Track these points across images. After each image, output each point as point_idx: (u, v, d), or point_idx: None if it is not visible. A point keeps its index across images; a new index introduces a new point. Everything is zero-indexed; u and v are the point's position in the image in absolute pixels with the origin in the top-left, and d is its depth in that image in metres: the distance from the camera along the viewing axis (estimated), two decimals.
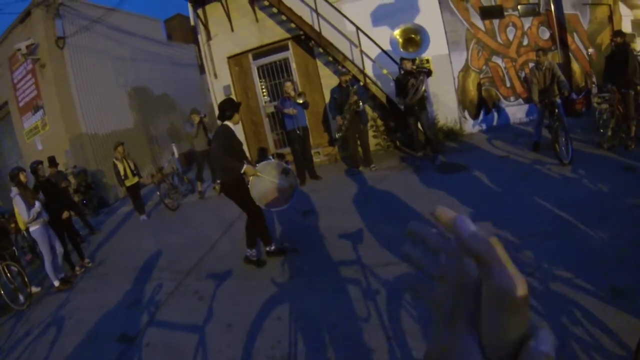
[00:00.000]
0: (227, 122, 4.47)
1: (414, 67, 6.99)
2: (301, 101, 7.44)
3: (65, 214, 6.23)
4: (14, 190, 5.59)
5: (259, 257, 4.74)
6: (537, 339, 0.31)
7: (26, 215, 5.50)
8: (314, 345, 3.06)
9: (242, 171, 4.25)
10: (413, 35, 7.14)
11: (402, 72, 7.10)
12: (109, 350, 3.75)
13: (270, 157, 4.83)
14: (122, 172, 7.97)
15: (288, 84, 7.56)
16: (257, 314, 3.65)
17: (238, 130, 9.24)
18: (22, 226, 5.97)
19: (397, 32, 7.16)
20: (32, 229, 5.67)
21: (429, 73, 6.92)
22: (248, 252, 4.73)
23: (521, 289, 0.30)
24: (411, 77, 6.85)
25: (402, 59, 7.15)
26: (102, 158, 11.20)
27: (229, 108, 4.46)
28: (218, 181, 4.54)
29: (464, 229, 0.33)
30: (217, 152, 4.34)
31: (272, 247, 4.74)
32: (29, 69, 11.33)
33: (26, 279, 5.63)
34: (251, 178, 4.30)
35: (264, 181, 4.41)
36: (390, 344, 2.85)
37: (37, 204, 5.57)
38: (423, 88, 6.84)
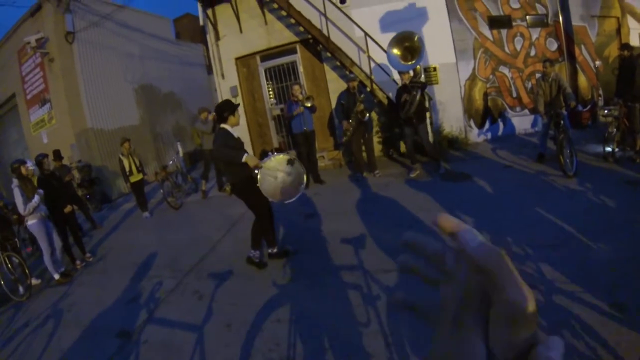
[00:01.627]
0: (224, 126, 4.40)
1: (407, 81, 6.91)
2: (309, 104, 7.42)
3: (68, 208, 6.25)
4: (15, 181, 5.62)
5: (261, 259, 4.73)
6: (547, 345, 0.31)
7: (22, 209, 5.52)
8: (312, 349, 3.05)
9: (243, 160, 4.16)
10: (408, 43, 7.06)
11: (402, 84, 7.07)
12: (106, 345, 3.75)
13: (270, 153, 4.75)
14: (127, 168, 8.00)
15: (296, 87, 7.54)
16: (257, 315, 3.64)
17: (243, 132, 9.30)
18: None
19: (392, 47, 7.08)
20: (29, 222, 5.69)
21: (423, 87, 6.83)
22: (251, 253, 4.72)
23: (531, 304, 0.30)
24: (406, 91, 6.83)
25: (400, 72, 7.13)
26: (107, 154, 11.23)
27: (226, 109, 4.39)
28: (228, 182, 4.50)
29: (470, 241, 0.33)
30: (218, 148, 4.34)
31: (275, 250, 4.73)
32: (37, 62, 11.40)
33: (27, 271, 5.65)
34: (259, 175, 4.23)
35: (271, 175, 4.34)
36: (390, 350, 2.84)
37: (36, 198, 5.57)
38: (417, 102, 6.76)
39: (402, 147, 9.01)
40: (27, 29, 11.37)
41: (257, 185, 4.21)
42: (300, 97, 7.43)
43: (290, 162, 4.39)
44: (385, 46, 7.80)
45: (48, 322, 4.53)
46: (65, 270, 5.88)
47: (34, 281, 5.80)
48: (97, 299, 4.84)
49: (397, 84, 8.16)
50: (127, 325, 4.02)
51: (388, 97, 8.26)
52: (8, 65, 12.48)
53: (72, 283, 5.66)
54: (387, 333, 3.03)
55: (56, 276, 5.72)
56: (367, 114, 7.34)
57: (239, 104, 4.74)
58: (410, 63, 6.97)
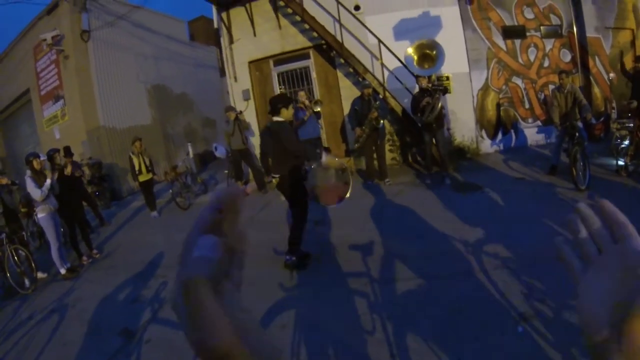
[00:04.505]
0: (278, 119, 4.49)
1: (429, 84, 6.89)
2: (318, 109, 7.37)
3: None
4: (28, 172, 5.76)
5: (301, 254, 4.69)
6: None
7: (37, 194, 5.60)
8: (316, 357, 3.01)
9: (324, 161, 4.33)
10: (428, 51, 7.07)
11: (419, 89, 7.03)
12: (109, 342, 3.75)
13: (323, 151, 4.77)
14: (137, 167, 8.03)
15: (301, 93, 7.50)
16: (261, 319, 3.60)
17: (255, 137, 9.23)
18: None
19: (411, 49, 7.11)
20: (39, 215, 5.79)
21: (444, 91, 6.81)
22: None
23: None
24: (427, 95, 6.78)
25: (417, 76, 7.10)
26: (118, 152, 11.31)
27: (280, 102, 4.54)
28: (274, 175, 4.52)
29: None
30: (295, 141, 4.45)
31: (293, 259, 4.55)
32: (52, 59, 11.54)
33: (33, 264, 5.73)
34: (312, 173, 4.28)
35: (322, 176, 4.36)
36: None
37: (48, 182, 5.68)
38: (439, 106, 6.74)
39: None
40: (43, 25, 11.52)
41: (304, 182, 4.26)
42: (307, 102, 7.38)
43: (342, 170, 4.41)
44: (399, 54, 7.77)
45: (52, 317, 4.56)
46: (71, 266, 5.92)
47: (40, 275, 5.85)
48: (102, 295, 4.84)
49: (410, 92, 8.12)
50: (130, 324, 4.01)
51: (403, 108, 8.20)
52: (24, 61, 12.64)
53: (78, 278, 5.69)
54: (391, 342, 2.98)
55: (62, 271, 5.76)
56: (381, 121, 7.30)
57: (291, 99, 4.78)
58: (427, 68, 6.96)
